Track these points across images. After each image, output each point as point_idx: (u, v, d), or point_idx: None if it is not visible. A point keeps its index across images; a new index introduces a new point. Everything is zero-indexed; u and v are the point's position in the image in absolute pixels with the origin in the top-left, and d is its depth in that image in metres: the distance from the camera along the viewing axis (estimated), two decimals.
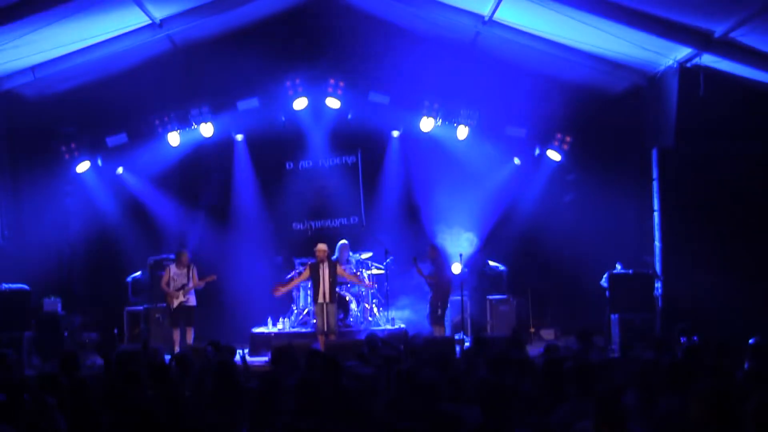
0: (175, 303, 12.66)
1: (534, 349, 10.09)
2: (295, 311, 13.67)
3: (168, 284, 12.72)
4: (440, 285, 13.07)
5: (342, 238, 13.84)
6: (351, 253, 13.81)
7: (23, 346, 11.58)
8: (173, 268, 12.79)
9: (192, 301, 12.82)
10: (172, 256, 13.86)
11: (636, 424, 4.91)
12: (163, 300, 12.94)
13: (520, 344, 8.60)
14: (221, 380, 6.79)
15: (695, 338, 9.96)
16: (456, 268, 13.40)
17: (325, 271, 12.22)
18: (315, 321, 12.55)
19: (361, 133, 14.78)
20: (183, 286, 12.68)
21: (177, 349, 12.06)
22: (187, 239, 14.13)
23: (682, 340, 9.66)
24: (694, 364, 6.35)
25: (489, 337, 8.08)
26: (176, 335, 12.68)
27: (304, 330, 13.25)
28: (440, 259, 13.18)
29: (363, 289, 13.70)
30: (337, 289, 12.49)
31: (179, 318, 12.70)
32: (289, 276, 13.83)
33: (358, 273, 13.51)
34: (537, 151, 14.21)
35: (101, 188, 14.23)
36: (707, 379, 5.43)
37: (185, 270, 12.76)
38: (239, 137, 14.55)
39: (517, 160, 14.47)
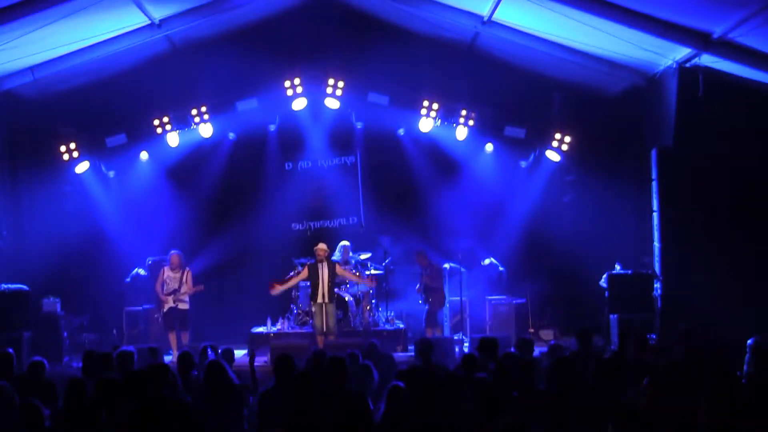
0: (166, 307, 12.73)
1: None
2: (300, 310, 13.65)
3: (161, 286, 12.77)
4: (436, 288, 13.12)
5: (342, 239, 13.84)
6: (351, 254, 13.80)
7: (22, 347, 11.55)
8: (167, 271, 12.81)
9: (184, 304, 12.81)
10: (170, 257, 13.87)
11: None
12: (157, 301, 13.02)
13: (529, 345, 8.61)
14: (212, 381, 6.83)
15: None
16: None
17: (324, 271, 12.21)
18: (313, 321, 12.55)
19: (360, 134, 14.81)
20: (174, 292, 12.69)
21: (175, 352, 12.06)
22: (186, 240, 14.11)
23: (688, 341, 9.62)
24: (696, 364, 6.37)
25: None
26: (172, 338, 12.72)
27: (303, 330, 13.24)
28: (431, 263, 13.22)
29: (362, 289, 13.67)
30: (335, 290, 12.49)
31: (173, 321, 12.73)
32: (288, 276, 13.81)
33: (357, 273, 13.51)
34: (536, 152, 14.22)
35: (100, 188, 14.23)
36: (713, 380, 5.45)
37: (179, 273, 12.78)
38: (231, 135, 14.49)
39: (523, 164, 14.50)
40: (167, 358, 11.12)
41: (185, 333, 12.78)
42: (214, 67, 13.61)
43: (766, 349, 7.12)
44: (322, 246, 12.39)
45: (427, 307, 13.18)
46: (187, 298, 12.81)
